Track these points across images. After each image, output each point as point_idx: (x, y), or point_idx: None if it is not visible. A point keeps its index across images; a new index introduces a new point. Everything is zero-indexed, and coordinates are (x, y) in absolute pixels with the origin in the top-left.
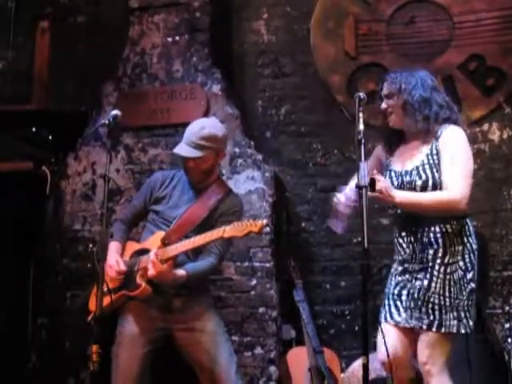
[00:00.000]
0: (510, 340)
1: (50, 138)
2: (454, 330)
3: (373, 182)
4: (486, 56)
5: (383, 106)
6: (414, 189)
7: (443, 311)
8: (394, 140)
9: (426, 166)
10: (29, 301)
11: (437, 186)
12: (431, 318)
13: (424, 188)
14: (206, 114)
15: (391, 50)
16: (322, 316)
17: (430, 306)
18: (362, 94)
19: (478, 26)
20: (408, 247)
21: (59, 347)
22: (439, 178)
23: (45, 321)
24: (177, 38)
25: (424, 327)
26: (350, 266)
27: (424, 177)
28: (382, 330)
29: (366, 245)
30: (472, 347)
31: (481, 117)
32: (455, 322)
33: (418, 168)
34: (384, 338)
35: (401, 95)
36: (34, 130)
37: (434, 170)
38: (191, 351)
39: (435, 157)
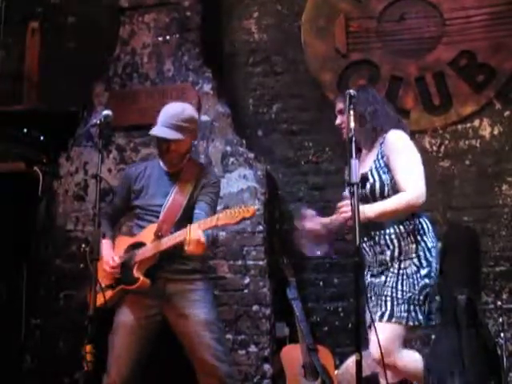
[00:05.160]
0: (502, 335)
1: (42, 138)
2: (404, 322)
3: (364, 179)
4: (476, 52)
5: (337, 121)
6: (364, 194)
7: (395, 303)
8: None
9: (374, 171)
10: (22, 301)
11: (384, 186)
12: (383, 309)
13: (372, 190)
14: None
15: (382, 47)
16: (316, 313)
17: (383, 298)
18: (352, 92)
19: (469, 22)
20: (370, 251)
21: (53, 347)
22: (389, 180)
23: (38, 321)
24: (167, 37)
25: (377, 318)
26: (342, 263)
27: (371, 180)
28: (375, 328)
29: (357, 242)
30: (465, 342)
31: (472, 113)
32: (405, 314)
33: (366, 174)
34: (377, 336)
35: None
36: (25, 130)
37: (381, 172)
38: (184, 339)
39: (381, 161)
